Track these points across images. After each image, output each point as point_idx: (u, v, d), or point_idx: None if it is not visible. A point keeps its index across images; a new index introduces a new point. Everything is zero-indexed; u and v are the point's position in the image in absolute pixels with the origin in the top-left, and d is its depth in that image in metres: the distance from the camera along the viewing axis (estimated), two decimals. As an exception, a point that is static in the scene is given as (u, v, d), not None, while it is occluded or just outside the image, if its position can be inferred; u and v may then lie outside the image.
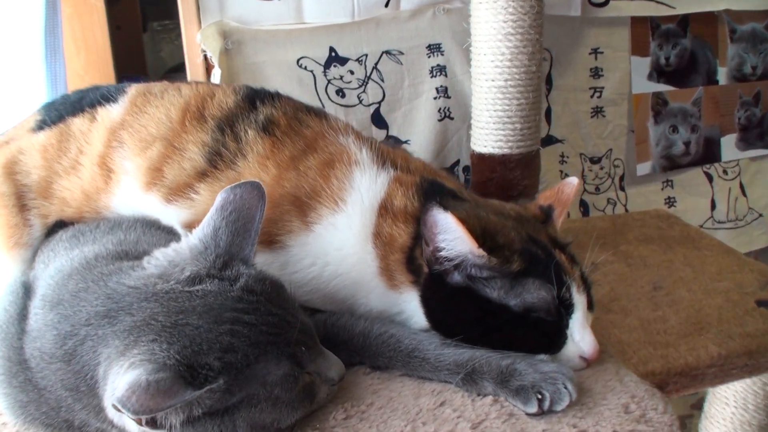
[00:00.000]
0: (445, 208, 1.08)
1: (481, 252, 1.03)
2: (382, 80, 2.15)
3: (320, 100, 2.10)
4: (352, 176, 1.15)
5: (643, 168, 2.61)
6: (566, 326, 1.06)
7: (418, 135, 2.20)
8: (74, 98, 1.29)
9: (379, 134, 2.17)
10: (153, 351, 0.85)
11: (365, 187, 1.15)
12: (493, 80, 1.82)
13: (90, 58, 1.94)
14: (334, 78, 2.11)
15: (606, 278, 1.68)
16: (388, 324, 1.12)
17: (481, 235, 1.06)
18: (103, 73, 1.99)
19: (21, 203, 1.20)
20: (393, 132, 2.19)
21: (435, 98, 2.19)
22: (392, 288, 1.12)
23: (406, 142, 2.20)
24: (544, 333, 1.05)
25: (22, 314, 1.00)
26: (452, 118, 2.21)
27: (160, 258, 0.98)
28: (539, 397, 0.97)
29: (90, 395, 0.90)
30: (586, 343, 1.07)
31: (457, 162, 2.25)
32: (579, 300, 1.08)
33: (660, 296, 1.62)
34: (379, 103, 2.16)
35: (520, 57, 1.76)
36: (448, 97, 2.19)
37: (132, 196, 1.17)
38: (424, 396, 1.02)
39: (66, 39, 1.82)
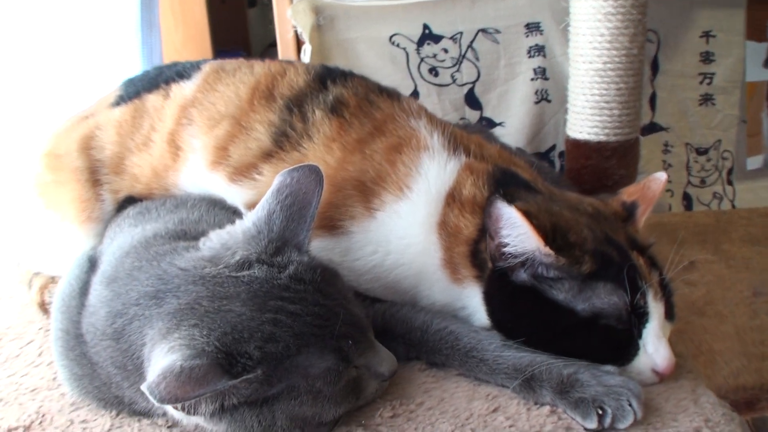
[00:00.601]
0: (514, 199, 1.01)
1: (548, 250, 0.94)
2: (477, 59, 2.05)
3: (412, 79, 2.03)
4: (420, 162, 1.08)
5: (754, 162, 2.38)
6: (638, 336, 0.96)
7: (513, 117, 2.09)
8: (153, 74, 1.28)
9: (472, 115, 2.08)
10: (193, 336, 0.82)
11: (433, 173, 1.08)
12: (590, 62, 1.68)
13: (188, 33, 1.95)
14: (428, 56, 2.03)
15: (703, 279, 1.54)
16: (449, 319, 1.05)
17: (551, 231, 0.97)
18: (201, 48, 2.00)
19: (94, 178, 1.20)
20: (487, 113, 2.09)
21: (532, 79, 2.07)
22: (455, 282, 1.05)
23: (500, 124, 2.10)
24: (613, 342, 0.95)
25: (83, 289, 1.01)
26: (549, 101, 2.08)
27: (213, 240, 0.96)
28: (600, 412, 0.88)
29: (137, 375, 0.89)
30: (659, 356, 0.96)
31: (553, 147, 2.13)
32: (655, 308, 0.97)
33: (760, 303, 1.47)
34: (474, 83, 2.07)
35: (621, 38, 1.62)
36: (546, 79, 2.07)
37: (198, 175, 1.15)
38: (478, 400, 0.95)
39: (164, 13, 1.83)
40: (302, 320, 0.86)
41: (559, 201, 1.06)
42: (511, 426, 0.90)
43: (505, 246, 0.96)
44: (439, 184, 1.07)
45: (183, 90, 1.20)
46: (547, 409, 0.93)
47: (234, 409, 0.83)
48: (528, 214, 0.94)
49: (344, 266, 1.08)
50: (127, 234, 1.07)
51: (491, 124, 2.08)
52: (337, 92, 1.15)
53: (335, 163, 1.08)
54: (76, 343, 0.97)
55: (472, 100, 2.08)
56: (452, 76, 2.06)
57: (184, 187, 1.18)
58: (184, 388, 0.76)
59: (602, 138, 1.73)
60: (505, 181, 1.08)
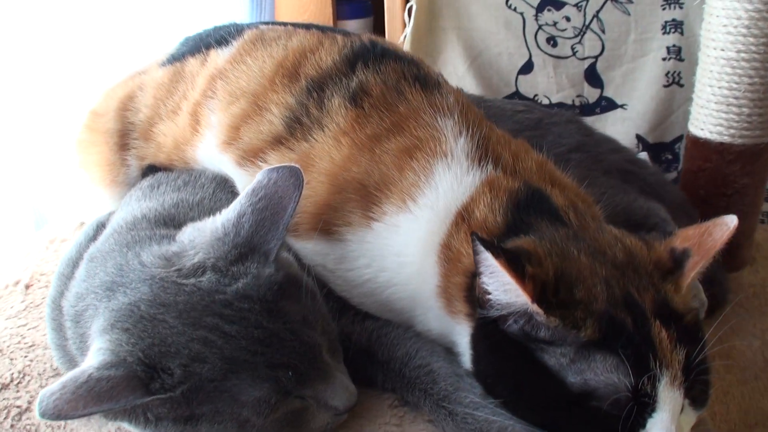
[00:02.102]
0: (528, 231, 0.83)
1: (537, 309, 0.75)
2: (603, 31, 1.76)
3: (527, 48, 1.79)
4: (433, 170, 0.91)
5: None
6: (641, 426, 0.75)
7: (638, 100, 1.79)
8: (203, 35, 1.18)
9: (591, 93, 1.80)
10: (120, 342, 0.76)
11: (445, 186, 0.90)
12: (722, 49, 1.36)
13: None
14: (547, 24, 1.77)
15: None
16: (436, 355, 0.89)
17: (553, 283, 0.77)
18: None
19: (123, 142, 1.14)
20: (608, 93, 1.80)
21: (664, 59, 1.74)
22: (450, 314, 0.88)
23: (621, 106, 1.80)
24: (604, 430, 0.75)
25: (79, 258, 0.96)
26: (682, 85, 1.74)
27: (185, 235, 0.87)
28: None
29: None
30: None
31: (680, 138, 1.80)
32: (668, 398, 0.75)
33: None
34: (596, 57, 1.78)
35: (761, 24, 1.29)
36: (681, 60, 1.73)
37: (210, 153, 1.05)
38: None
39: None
40: (236, 343, 0.76)
41: (586, 240, 0.84)
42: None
43: (488, 294, 0.78)
44: (450, 200, 0.89)
45: (218, 58, 1.10)
46: (505, 491, 0.76)
47: (157, 420, 0.75)
48: (514, 262, 0.74)
49: (338, 275, 0.96)
50: (129, 208, 1.01)
51: (611, 105, 1.80)
52: (363, 78, 0.99)
53: (341, 161, 0.94)
54: (58, 312, 0.94)
55: (592, 76, 1.79)
56: (572, 48, 1.78)
57: (202, 163, 1.08)
58: (77, 402, 0.69)
59: (726, 138, 1.43)
60: (529, 204, 0.88)
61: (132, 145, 1.14)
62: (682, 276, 0.83)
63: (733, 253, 1.56)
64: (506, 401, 0.80)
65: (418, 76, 1.02)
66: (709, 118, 1.44)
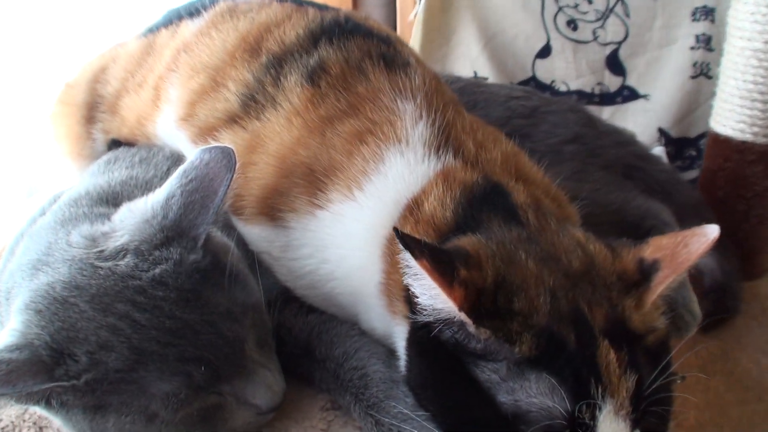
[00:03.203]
0: (476, 229, 0.74)
1: (465, 318, 0.65)
2: (627, 15, 1.60)
3: (546, 30, 1.64)
4: (384, 157, 0.81)
5: None
6: None
7: (661, 91, 1.63)
8: (182, 6, 1.10)
9: (612, 81, 1.65)
10: (31, 323, 0.71)
11: (396, 174, 0.80)
12: (749, 39, 1.21)
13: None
14: (567, 5, 1.62)
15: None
16: (374, 358, 0.81)
17: (491, 291, 0.67)
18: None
19: (90, 115, 1.08)
20: (630, 82, 1.65)
21: (692, 48, 1.57)
22: (391, 314, 0.79)
23: (644, 96, 1.65)
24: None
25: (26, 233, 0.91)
26: (710, 77, 1.57)
27: (118, 214, 0.80)
28: None
29: None
30: None
31: (705, 134, 1.62)
32: (609, 429, 0.64)
33: None
34: (619, 43, 1.62)
35: (790, 14, 1.13)
36: (710, 50, 1.56)
37: (169, 129, 0.98)
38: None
39: None
40: (146, 333, 0.70)
41: (541, 244, 0.73)
42: None
43: (417, 297, 0.68)
44: (400, 190, 0.80)
45: (186, 30, 1.02)
46: None
47: (65, 407, 0.70)
48: (441, 264, 0.64)
49: (282, 264, 0.88)
50: (81, 182, 0.95)
51: (633, 95, 1.64)
52: (324, 55, 0.89)
53: (290, 143, 0.85)
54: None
55: (614, 63, 1.64)
56: (594, 33, 1.63)
57: (162, 140, 1.01)
58: None
59: (748, 137, 1.29)
60: (485, 200, 0.78)
61: (98, 119, 1.08)
62: (648, 291, 0.71)
63: (750, 260, 1.41)
64: (434, 415, 0.71)
65: (385, 55, 0.92)
66: (732, 113, 1.29)
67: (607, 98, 1.66)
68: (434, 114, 0.85)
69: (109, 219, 0.81)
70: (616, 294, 0.70)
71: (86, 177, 0.98)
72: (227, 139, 0.89)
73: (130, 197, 0.88)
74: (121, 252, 0.74)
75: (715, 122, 1.35)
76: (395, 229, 0.65)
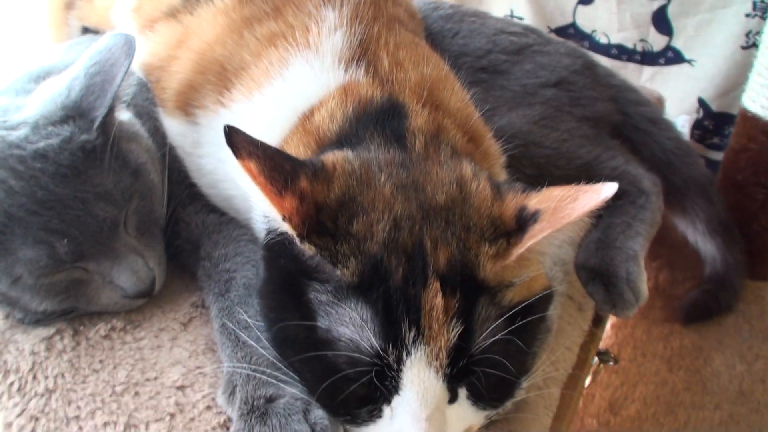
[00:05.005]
0: (356, 144, 0.67)
1: (289, 229, 0.59)
2: (681, -30, 1.38)
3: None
4: (289, 62, 0.75)
5: None
6: (386, 400, 0.58)
7: (709, 58, 1.41)
8: None
9: (657, 41, 1.45)
10: None
11: (297, 81, 0.74)
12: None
13: None
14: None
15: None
16: (248, 266, 0.76)
17: (333, 208, 0.60)
18: None
19: (70, 1, 1.07)
20: (676, 43, 1.44)
21: (748, 15, 1.34)
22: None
23: (689, 61, 1.44)
24: (342, 387, 0.59)
25: None
26: (763, 48, 1.34)
27: (38, 90, 0.79)
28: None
29: None
30: None
31: (748, 109, 1.41)
32: (416, 378, 0.57)
33: None
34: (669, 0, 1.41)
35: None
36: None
37: (123, 19, 0.94)
38: (184, 368, 0.69)
39: None
40: (17, 200, 0.69)
41: (412, 171, 0.64)
42: (172, 414, 0.63)
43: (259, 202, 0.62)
44: (298, 98, 0.73)
45: None
46: (223, 418, 0.63)
47: None
48: (273, 169, 0.58)
49: (192, 160, 0.84)
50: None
51: (678, 58, 1.44)
52: (262, -47, 0.82)
53: (210, 39, 0.80)
54: None
55: (661, 21, 1.43)
56: (643, -15, 1.43)
57: (120, 30, 0.98)
58: None
59: (776, 117, 1.09)
60: (378, 119, 0.69)
61: (76, 5, 1.08)
62: (517, 243, 0.61)
63: (760, 258, 1.23)
64: (267, 324, 0.66)
65: None
66: (764, 90, 1.10)
67: (649, 57, 1.47)
68: (357, 26, 0.77)
69: (30, 94, 0.80)
70: (474, 238, 0.61)
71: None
72: (163, 32, 0.86)
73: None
74: (20, 124, 0.74)
75: (747, 97, 1.16)
76: (226, 126, 0.59)
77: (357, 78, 0.74)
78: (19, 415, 0.62)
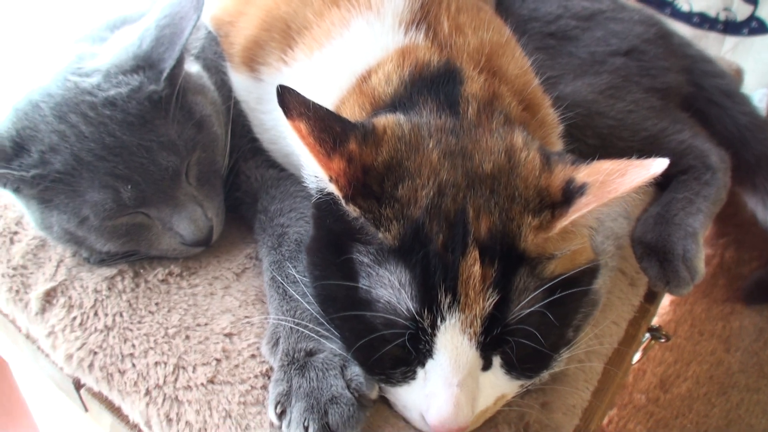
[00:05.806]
0: (408, 108, 0.66)
1: (336, 190, 0.59)
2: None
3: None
4: (350, 23, 0.74)
5: None
6: (421, 363, 0.59)
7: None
8: None
9: (742, 9, 1.34)
10: (9, 118, 0.75)
11: (356, 42, 0.73)
12: None
13: None
14: None
15: None
16: (302, 221, 0.77)
17: (380, 171, 0.60)
18: None
19: None
20: (761, 13, 1.33)
21: None
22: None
23: (775, 32, 1.33)
24: (379, 347, 0.59)
25: None
26: None
27: (113, 38, 0.81)
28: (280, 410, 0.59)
29: None
30: (434, 407, 0.58)
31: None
32: (449, 343, 0.57)
33: None
34: (762, -36, 1.30)
35: None
36: None
37: None
38: (234, 317, 0.71)
39: None
40: (86, 144, 0.71)
41: (461, 138, 0.63)
42: (218, 360, 0.66)
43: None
44: (357, 59, 0.72)
45: None
46: (266, 367, 0.65)
47: (24, 196, 0.75)
48: (321, 131, 0.58)
49: (255, 115, 0.85)
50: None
51: (762, 28, 1.33)
52: None
53: (277, -4, 0.79)
54: None
55: (750, -13, 1.32)
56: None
57: None
58: None
59: None
60: (433, 84, 0.68)
61: None
62: (561, 216, 0.59)
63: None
64: (312, 280, 0.67)
65: None
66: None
67: (732, 27, 1.36)
68: None
69: (105, 42, 0.82)
70: (518, 208, 0.60)
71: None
72: (234, -14, 0.85)
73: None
74: (94, 72, 0.75)
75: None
76: (279, 86, 0.59)
77: (416, 41, 0.72)
78: (79, 349, 0.65)
